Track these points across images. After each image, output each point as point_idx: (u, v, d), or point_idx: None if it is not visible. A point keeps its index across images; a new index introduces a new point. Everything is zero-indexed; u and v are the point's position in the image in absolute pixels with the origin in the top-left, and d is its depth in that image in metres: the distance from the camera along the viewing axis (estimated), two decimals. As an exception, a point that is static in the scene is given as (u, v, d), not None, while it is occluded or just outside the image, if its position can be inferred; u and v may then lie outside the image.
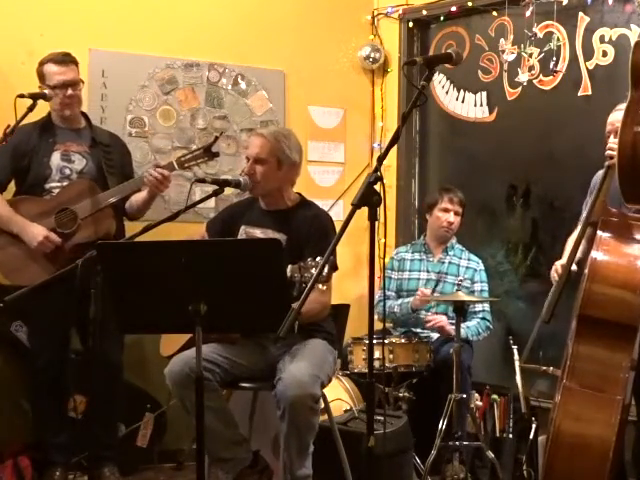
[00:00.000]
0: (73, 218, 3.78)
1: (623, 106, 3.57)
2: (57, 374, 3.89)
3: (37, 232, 3.74)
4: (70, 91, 3.85)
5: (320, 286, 2.92)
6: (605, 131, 3.60)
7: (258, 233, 3.49)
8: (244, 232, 3.54)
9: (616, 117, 3.57)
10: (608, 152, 3.38)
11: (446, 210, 4.48)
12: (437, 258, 4.56)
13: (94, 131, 4.00)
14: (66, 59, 3.83)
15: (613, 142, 3.36)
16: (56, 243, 3.74)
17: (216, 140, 3.88)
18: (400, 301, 4.47)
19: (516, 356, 4.03)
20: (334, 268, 3.37)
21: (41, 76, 3.82)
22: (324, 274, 2.78)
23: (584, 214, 3.42)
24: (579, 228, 3.41)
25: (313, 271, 2.92)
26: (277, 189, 3.51)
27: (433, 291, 4.42)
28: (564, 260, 3.61)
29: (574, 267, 3.36)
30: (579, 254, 3.32)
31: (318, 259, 2.96)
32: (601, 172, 3.73)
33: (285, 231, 3.44)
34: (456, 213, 4.49)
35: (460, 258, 4.54)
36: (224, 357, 3.31)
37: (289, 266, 3.01)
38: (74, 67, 3.87)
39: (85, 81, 4.06)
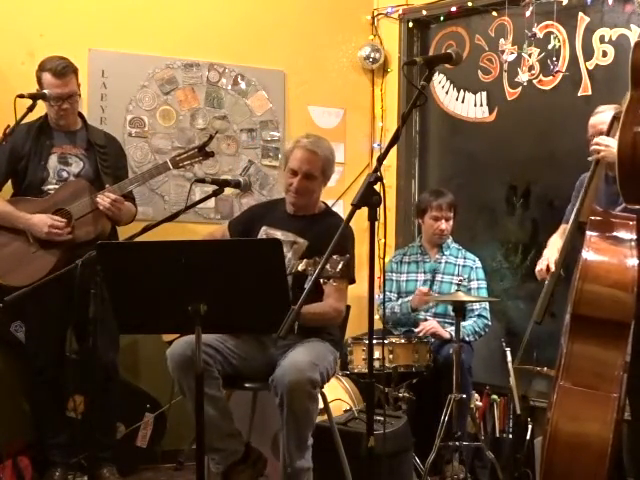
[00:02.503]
0: (68, 218, 3.78)
1: (604, 108, 3.61)
2: (55, 374, 3.89)
3: (42, 222, 3.75)
4: (66, 105, 3.83)
5: (332, 281, 2.92)
6: (588, 135, 3.63)
7: (279, 235, 3.47)
8: (264, 233, 3.54)
9: (598, 120, 3.60)
10: (594, 147, 3.39)
11: (437, 218, 4.49)
12: (433, 258, 4.57)
13: (90, 132, 3.99)
14: (66, 71, 3.77)
15: (598, 139, 3.38)
16: (61, 225, 3.75)
17: (211, 139, 3.88)
18: (400, 301, 4.48)
19: (509, 358, 4.03)
20: (351, 280, 3.40)
21: (39, 81, 3.79)
22: (337, 270, 2.80)
23: (572, 217, 3.44)
24: (567, 229, 3.43)
25: (327, 267, 2.93)
26: (315, 199, 3.56)
27: (430, 288, 4.43)
28: (544, 260, 3.64)
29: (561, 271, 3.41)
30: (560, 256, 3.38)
31: (334, 257, 2.96)
32: (585, 175, 3.77)
33: (307, 237, 3.45)
34: (447, 219, 4.50)
35: (456, 257, 4.55)
36: (225, 346, 3.31)
37: (304, 260, 3.03)
38: (72, 78, 3.83)
39: (85, 81, 4.06)
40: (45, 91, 3.71)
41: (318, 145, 3.51)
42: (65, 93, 3.80)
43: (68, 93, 3.81)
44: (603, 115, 3.61)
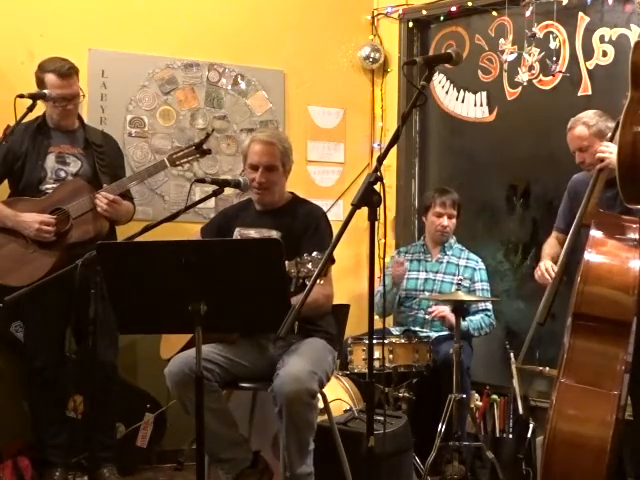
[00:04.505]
0: (66, 217, 3.78)
1: (573, 123, 3.68)
2: (55, 374, 3.89)
3: (31, 220, 3.74)
4: (70, 105, 3.84)
5: (318, 280, 2.91)
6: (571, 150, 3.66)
7: (252, 233, 3.51)
8: (238, 234, 3.55)
9: (571, 137, 3.64)
10: (599, 155, 3.41)
11: (439, 215, 4.49)
12: (435, 258, 4.57)
13: (87, 131, 3.99)
14: (70, 72, 3.79)
15: (603, 147, 3.41)
16: (51, 224, 3.74)
17: (207, 137, 3.89)
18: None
19: (512, 359, 4.04)
20: (332, 261, 3.39)
21: (41, 82, 3.78)
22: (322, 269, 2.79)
23: (576, 218, 3.44)
24: (571, 230, 3.44)
25: (309, 266, 2.93)
26: (280, 192, 3.54)
27: (430, 290, 4.42)
28: (545, 262, 3.68)
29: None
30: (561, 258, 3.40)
31: (314, 254, 2.96)
32: (577, 176, 3.79)
33: (279, 228, 3.45)
34: (450, 216, 4.50)
35: (459, 257, 4.55)
36: (224, 357, 3.31)
37: (285, 262, 3.01)
38: (75, 78, 3.84)
39: (85, 81, 4.06)
40: (45, 91, 3.71)
41: (274, 136, 3.54)
42: (69, 94, 3.81)
43: (72, 94, 3.82)
44: (575, 131, 3.66)
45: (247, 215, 3.60)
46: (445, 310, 4.31)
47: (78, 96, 3.87)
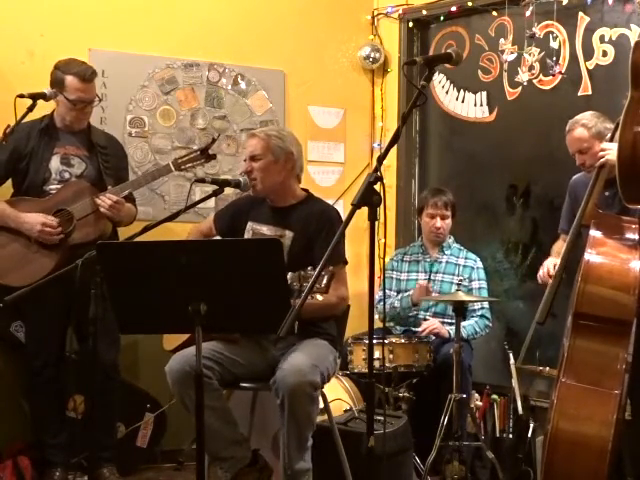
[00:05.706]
0: (70, 219, 3.78)
1: (572, 125, 3.67)
2: (55, 374, 3.89)
3: (34, 220, 3.73)
4: (89, 108, 3.87)
5: (318, 296, 2.90)
6: (570, 153, 3.66)
7: (264, 230, 3.50)
8: (251, 228, 3.55)
9: (571, 138, 3.64)
10: (600, 153, 3.42)
11: (432, 216, 4.50)
12: (433, 258, 4.57)
13: (92, 133, 4.00)
14: (93, 76, 3.81)
15: (604, 145, 3.42)
16: (54, 225, 3.73)
17: (213, 142, 3.91)
18: (400, 296, 4.48)
19: (512, 360, 4.04)
20: (344, 262, 3.39)
21: (59, 83, 3.76)
22: (323, 285, 2.78)
23: (576, 219, 3.45)
24: (570, 230, 3.44)
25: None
26: (280, 184, 3.50)
27: (429, 280, 4.44)
28: (545, 266, 3.68)
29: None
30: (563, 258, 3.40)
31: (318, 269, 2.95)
32: (576, 177, 3.79)
33: (292, 228, 3.44)
34: (443, 217, 4.49)
35: (457, 257, 4.55)
36: (224, 355, 3.31)
37: (289, 274, 2.99)
38: (95, 82, 3.87)
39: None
40: (46, 91, 3.69)
41: (262, 130, 3.58)
42: (90, 98, 3.83)
43: (92, 98, 3.85)
44: (574, 133, 3.67)
45: (260, 210, 3.57)
46: (437, 325, 4.31)
47: (95, 99, 3.89)
